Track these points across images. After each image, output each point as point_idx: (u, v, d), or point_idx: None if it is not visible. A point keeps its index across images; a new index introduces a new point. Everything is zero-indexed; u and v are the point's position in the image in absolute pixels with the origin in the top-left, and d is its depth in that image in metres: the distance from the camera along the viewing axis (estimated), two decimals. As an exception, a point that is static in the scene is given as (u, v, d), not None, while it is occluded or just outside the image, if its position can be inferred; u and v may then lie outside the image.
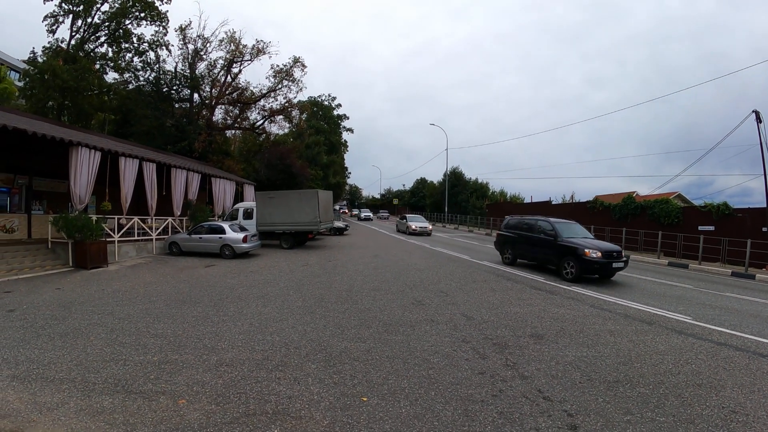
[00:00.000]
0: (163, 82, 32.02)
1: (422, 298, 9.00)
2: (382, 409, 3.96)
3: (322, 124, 54.03)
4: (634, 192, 32.17)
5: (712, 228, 20.45)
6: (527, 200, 43.51)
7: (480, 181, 58.14)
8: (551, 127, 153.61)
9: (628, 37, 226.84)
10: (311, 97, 53.72)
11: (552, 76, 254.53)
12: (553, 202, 35.29)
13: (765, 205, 18.93)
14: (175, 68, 32.58)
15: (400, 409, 3.97)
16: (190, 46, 32.19)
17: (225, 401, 4.06)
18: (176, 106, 33.61)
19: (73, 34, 28.30)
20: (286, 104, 35.98)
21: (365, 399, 4.17)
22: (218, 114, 35.80)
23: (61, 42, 28.43)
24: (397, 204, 74.90)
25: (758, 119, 19.47)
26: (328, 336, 6.22)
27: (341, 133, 61.53)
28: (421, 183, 73.88)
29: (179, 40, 32.02)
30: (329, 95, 58.81)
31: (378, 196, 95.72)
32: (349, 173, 77.19)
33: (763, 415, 4.14)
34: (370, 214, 55.80)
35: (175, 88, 33.01)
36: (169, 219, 17.93)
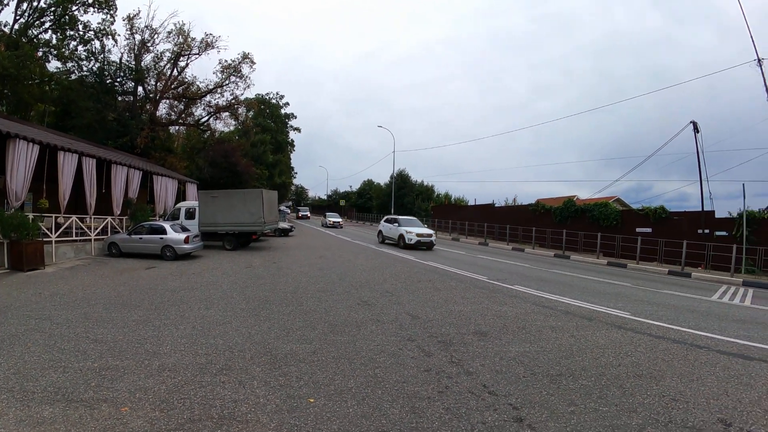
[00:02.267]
0: (107, 73, 30.45)
1: (368, 299, 9.03)
2: (329, 410, 3.92)
3: (269, 123, 52.78)
4: (575, 196, 33.37)
5: (649, 230, 21.80)
6: (471, 203, 44.76)
7: (426, 183, 59.11)
8: (497, 133, 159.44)
9: (575, 49, 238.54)
10: (259, 94, 52.36)
11: (500, 83, 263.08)
12: (496, 205, 36.47)
13: (701, 209, 20.46)
14: (120, 59, 31.10)
15: (347, 409, 3.95)
16: (137, 37, 30.86)
17: (169, 407, 3.91)
18: (119, 99, 32.03)
19: (17, 18, 26.31)
20: (233, 101, 35.29)
21: (312, 400, 4.12)
22: (162, 109, 34.56)
23: (4, 26, 26.43)
24: (343, 205, 74.23)
25: (696, 129, 20.96)
26: (273, 338, 6.11)
27: (288, 132, 60.21)
28: (368, 185, 73.07)
29: (126, 30, 30.60)
30: (277, 93, 57.62)
31: (324, 197, 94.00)
32: (296, 173, 75.50)
33: (702, 402, 4.38)
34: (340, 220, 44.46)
35: (119, 80, 31.49)
36: (109, 218, 17.03)
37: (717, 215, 20.16)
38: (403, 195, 53.84)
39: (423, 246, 20.86)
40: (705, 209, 20.27)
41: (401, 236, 21.39)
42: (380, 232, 24.44)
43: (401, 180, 55.32)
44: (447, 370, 5.01)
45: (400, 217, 24.93)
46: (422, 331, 6.67)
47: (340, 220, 41.89)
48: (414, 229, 21.42)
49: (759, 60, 17.09)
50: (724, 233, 19.07)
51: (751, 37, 16.99)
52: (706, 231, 19.54)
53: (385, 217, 25.40)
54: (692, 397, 4.52)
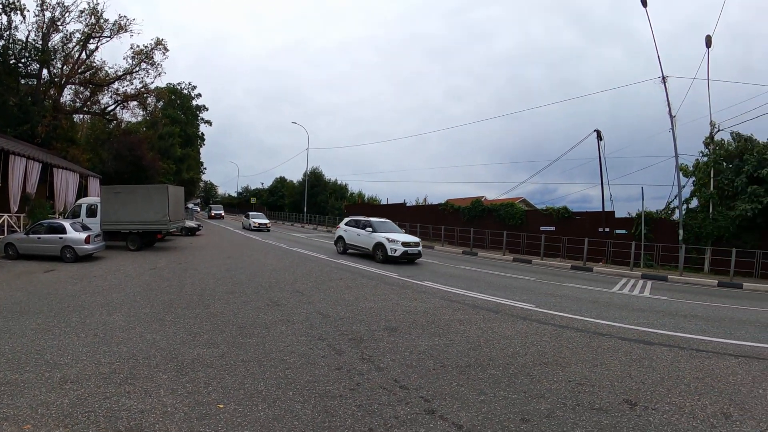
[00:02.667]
0: (11, 52, 27.34)
1: (278, 299, 8.97)
2: (240, 415, 3.91)
3: (179, 114, 49.90)
4: (483, 196, 34.46)
5: (553, 228, 23.65)
6: (384, 202, 46.00)
7: (340, 182, 58.99)
8: (411, 134, 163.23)
9: (490, 58, 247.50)
10: (170, 83, 49.14)
11: (416, 86, 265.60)
12: (408, 204, 37.69)
13: (602, 210, 22.58)
14: (27, 38, 28.07)
15: (258, 413, 3.96)
16: (47, 14, 28.10)
17: (73, 422, 3.71)
18: (22, 82, 28.95)
19: None
20: (142, 89, 33.55)
21: (221, 406, 4.09)
22: (67, 95, 31.96)
23: None
24: (254, 203, 72.15)
25: (599, 137, 23.21)
26: (179, 343, 5.93)
27: (199, 124, 57.52)
28: (281, 182, 71.52)
29: (36, 5, 27.72)
30: (189, 83, 54.53)
31: (235, 195, 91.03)
32: (205, 169, 72.37)
33: (607, 385, 4.83)
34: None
35: (23, 60, 28.41)
36: (6, 216, 15.41)
37: (617, 215, 22.40)
38: (316, 193, 53.53)
39: (404, 260, 15.61)
40: (606, 210, 22.47)
41: (380, 246, 15.68)
42: (340, 238, 18.23)
43: (315, 178, 54.96)
44: (358, 367, 5.15)
45: (373, 219, 17.92)
46: (333, 330, 6.76)
47: (267, 221, 36.72)
48: (398, 237, 16.02)
49: (663, 77, 19.23)
50: (623, 231, 21.20)
51: (658, 56, 19.11)
52: (607, 229, 21.65)
53: (347, 219, 19.39)
54: (598, 381, 4.95)
